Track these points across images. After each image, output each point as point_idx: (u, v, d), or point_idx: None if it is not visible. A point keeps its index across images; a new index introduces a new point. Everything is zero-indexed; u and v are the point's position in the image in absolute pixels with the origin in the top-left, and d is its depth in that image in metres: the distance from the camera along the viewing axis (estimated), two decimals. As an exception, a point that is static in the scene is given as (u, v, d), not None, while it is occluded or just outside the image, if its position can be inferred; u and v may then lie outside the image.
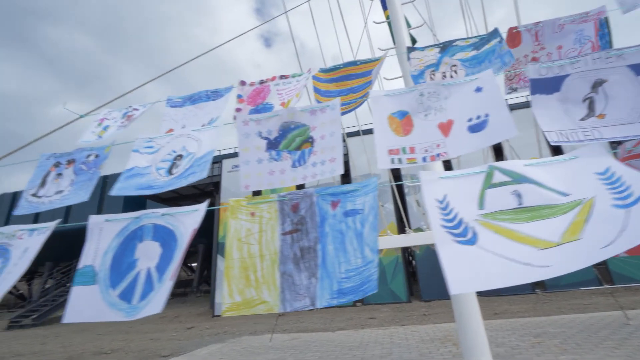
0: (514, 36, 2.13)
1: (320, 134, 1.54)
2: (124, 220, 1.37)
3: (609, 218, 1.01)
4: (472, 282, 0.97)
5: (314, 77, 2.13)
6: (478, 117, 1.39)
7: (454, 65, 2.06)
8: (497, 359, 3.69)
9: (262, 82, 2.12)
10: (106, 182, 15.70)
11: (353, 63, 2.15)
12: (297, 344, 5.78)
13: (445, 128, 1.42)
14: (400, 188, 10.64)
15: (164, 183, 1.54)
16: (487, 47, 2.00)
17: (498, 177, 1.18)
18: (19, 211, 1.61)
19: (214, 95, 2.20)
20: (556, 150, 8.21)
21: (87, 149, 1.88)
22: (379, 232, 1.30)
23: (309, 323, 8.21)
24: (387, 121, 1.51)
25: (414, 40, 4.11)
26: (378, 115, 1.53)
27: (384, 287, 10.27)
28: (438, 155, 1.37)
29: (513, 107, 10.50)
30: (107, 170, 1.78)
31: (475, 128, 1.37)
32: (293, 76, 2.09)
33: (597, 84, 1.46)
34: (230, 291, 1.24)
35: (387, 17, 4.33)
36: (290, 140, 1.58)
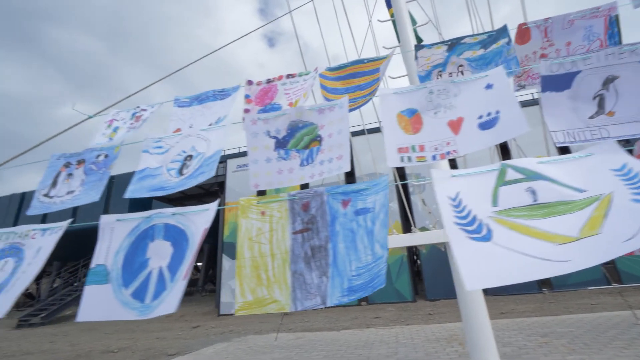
0: (523, 32, 2.10)
1: (328, 132, 1.54)
2: (135, 220, 1.38)
3: (629, 212, 1.00)
4: (489, 278, 0.96)
5: (321, 75, 2.13)
6: (489, 114, 1.38)
7: (461, 66, 2.06)
8: (504, 358, 3.67)
9: (269, 81, 2.12)
10: (112, 182, 15.81)
11: (360, 61, 2.15)
12: (302, 343, 5.79)
13: (455, 126, 1.41)
14: (405, 187, 10.60)
15: (175, 184, 1.54)
16: (495, 46, 1.99)
17: (511, 174, 1.17)
18: (31, 211, 1.63)
19: (221, 94, 2.21)
20: (563, 150, 8.14)
21: (96, 149, 1.89)
22: None
23: (314, 322, 8.22)
24: (396, 119, 1.51)
25: (419, 40, 4.09)
26: (387, 113, 1.53)
27: (389, 286, 10.26)
28: (448, 153, 1.37)
29: (520, 105, 10.41)
30: (113, 170, 1.80)
31: (485, 125, 1.36)
32: (300, 75, 2.09)
33: (608, 81, 1.44)
34: (242, 290, 1.24)
35: (392, 16, 4.31)
36: (299, 139, 1.58)
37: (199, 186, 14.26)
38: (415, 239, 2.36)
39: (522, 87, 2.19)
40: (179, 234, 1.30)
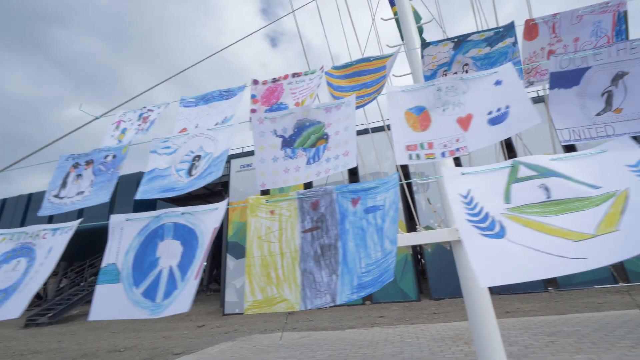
0: (531, 28, 2.08)
1: (335, 130, 1.54)
2: (144, 219, 1.39)
3: None
4: (503, 275, 0.95)
5: (327, 73, 2.13)
6: (498, 110, 1.37)
7: (466, 65, 2.05)
8: (510, 358, 3.64)
9: (274, 80, 2.12)
10: (118, 182, 15.90)
11: (366, 59, 2.14)
12: (307, 342, 5.79)
13: (465, 122, 1.40)
14: (409, 186, 10.57)
15: (184, 184, 1.55)
16: (501, 45, 1.97)
17: (523, 171, 1.16)
18: (42, 212, 1.64)
19: (227, 94, 2.21)
20: (569, 148, 8.07)
21: (104, 149, 1.90)
22: None
23: (318, 321, 8.23)
24: (404, 117, 1.50)
25: (423, 40, 4.07)
26: (395, 111, 1.52)
27: (393, 285, 10.23)
28: (457, 149, 1.36)
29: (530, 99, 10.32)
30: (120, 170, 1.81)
31: (495, 120, 1.35)
32: (306, 74, 2.09)
33: (618, 77, 1.41)
34: (252, 289, 1.25)
35: (395, 14, 4.29)
36: (306, 137, 1.58)
37: (203, 186, 14.31)
38: (420, 237, 2.35)
39: (531, 83, 2.17)
40: (188, 233, 1.31)
